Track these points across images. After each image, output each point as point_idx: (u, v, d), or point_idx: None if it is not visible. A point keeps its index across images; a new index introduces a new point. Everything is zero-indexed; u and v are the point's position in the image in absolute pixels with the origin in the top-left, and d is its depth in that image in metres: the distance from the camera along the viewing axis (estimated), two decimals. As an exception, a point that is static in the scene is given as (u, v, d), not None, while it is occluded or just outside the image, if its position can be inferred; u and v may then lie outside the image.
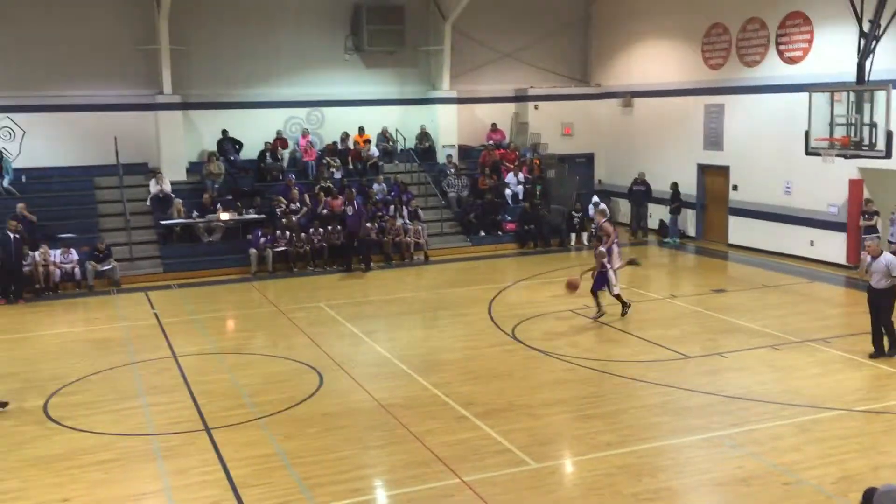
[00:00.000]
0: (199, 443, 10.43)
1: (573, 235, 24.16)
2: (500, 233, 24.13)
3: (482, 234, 23.84)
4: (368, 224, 21.95)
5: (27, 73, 22.40)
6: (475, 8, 25.32)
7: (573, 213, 24.32)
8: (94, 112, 23.20)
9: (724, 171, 23.32)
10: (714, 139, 23.57)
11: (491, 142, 26.66)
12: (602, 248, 15.57)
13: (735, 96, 22.79)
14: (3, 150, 22.03)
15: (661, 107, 25.44)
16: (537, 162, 25.94)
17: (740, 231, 22.86)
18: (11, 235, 18.53)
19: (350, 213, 21.44)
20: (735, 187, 22.96)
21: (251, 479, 9.32)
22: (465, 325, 15.99)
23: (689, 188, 24.24)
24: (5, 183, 21.43)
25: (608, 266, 15.48)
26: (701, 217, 24.43)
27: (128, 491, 9.17)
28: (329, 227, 21.74)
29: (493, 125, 27.19)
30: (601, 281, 15.58)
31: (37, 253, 19.18)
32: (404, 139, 26.12)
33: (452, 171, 25.31)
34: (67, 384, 12.69)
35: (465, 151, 26.85)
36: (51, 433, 10.79)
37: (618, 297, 15.81)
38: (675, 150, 24.93)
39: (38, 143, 22.78)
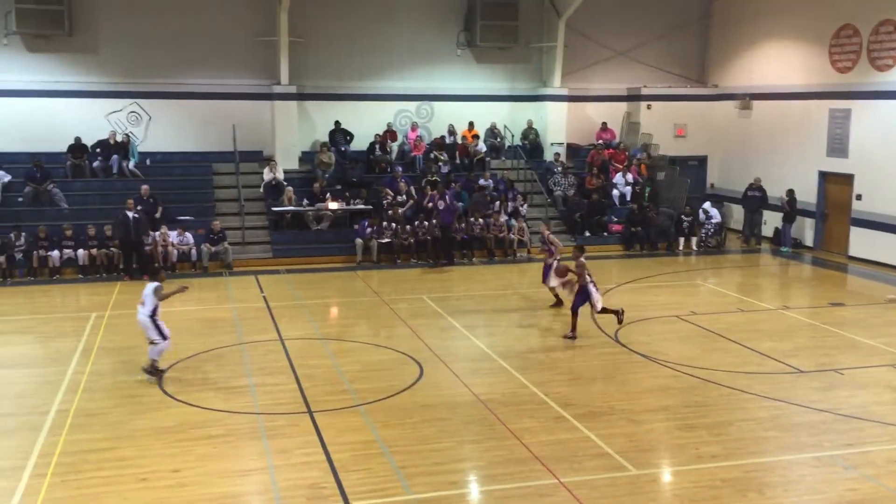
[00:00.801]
0: (302, 425, 10.68)
1: (682, 240, 23.53)
2: (605, 234, 23.74)
3: (587, 234, 23.49)
4: (472, 219, 22.02)
5: (155, 62, 23.45)
6: (590, 5, 24.98)
7: (682, 216, 23.68)
8: (214, 100, 24.07)
9: (847, 179, 22.22)
10: (838, 146, 22.48)
11: (600, 141, 26.25)
12: (582, 260, 14.55)
13: (863, 101, 21.66)
14: (130, 134, 23.15)
15: (782, 110, 24.44)
16: (645, 164, 25.38)
17: (863, 243, 21.73)
18: (131, 215, 19.45)
19: (442, 208, 21.54)
20: (859, 197, 21.84)
21: (350, 463, 9.48)
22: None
23: (807, 196, 23.22)
24: (131, 165, 22.50)
25: (589, 279, 14.42)
26: (820, 226, 23.37)
27: (234, 466, 9.49)
28: (434, 221, 21.89)
29: (604, 124, 26.76)
30: (582, 297, 14.43)
31: (157, 233, 20.09)
32: (512, 135, 26.05)
33: (559, 169, 25.06)
34: (181, 360, 13.22)
35: (573, 150, 26.55)
36: (165, 406, 11.28)
37: (604, 311, 14.60)
38: (794, 156, 23.93)
39: (163, 129, 23.83)
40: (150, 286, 12.43)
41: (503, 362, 13.31)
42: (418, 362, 13.25)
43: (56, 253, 19.38)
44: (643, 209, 23.78)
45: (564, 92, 26.03)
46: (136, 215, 19.61)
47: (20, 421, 10.68)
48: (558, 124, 26.13)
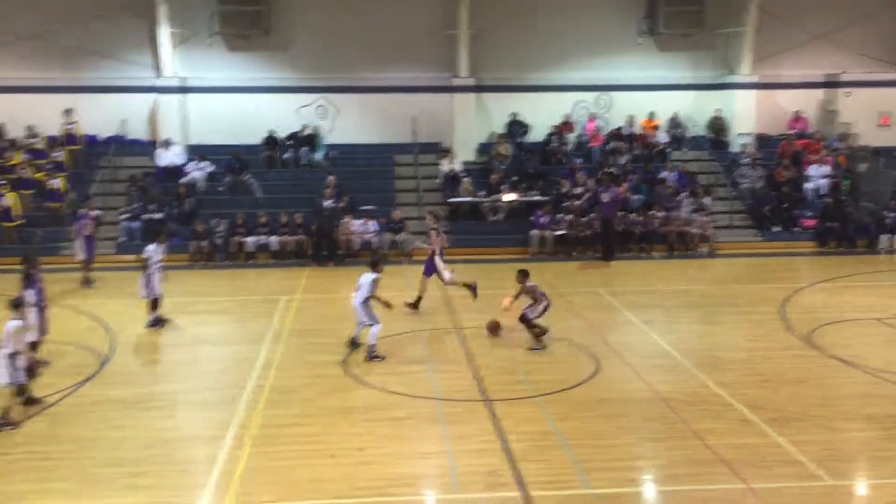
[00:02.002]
0: (479, 412, 10.79)
1: (884, 237, 21.72)
2: (796, 229, 22.37)
3: (776, 229, 22.23)
4: (651, 213, 21.41)
5: (342, 58, 24.49)
6: (784, -15, 23.58)
7: (886, 211, 21.85)
8: (395, 93, 24.83)
9: None
10: None
11: (793, 131, 24.73)
12: (528, 284, 13.44)
13: None
14: (317, 127, 24.30)
15: None
16: (844, 155, 23.62)
17: None
18: (326, 204, 20.45)
19: (606, 200, 21.02)
20: None
21: (528, 453, 9.48)
22: (752, 324, 15.02)
23: None
24: (319, 157, 23.64)
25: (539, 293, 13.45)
26: None
27: (415, 448, 9.73)
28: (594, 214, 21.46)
29: (797, 113, 25.18)
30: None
31: (342, 221, 20.99)
32: (695, 126, 25.04)
33: (747, 160, 23.84)
34: (362, 344, 13.71)
35: (762, 140, 25.18)
36: (351, 387, 11.76)
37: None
38: None
39: (348, 122, 24.86)
40: (370, 276, 13.05)
41: (684, 360, 12.84)
42: (595, 356, 13.04)
43: (251, 239, 20.71)
44: (840, 203, 22.17)
45: (754, 79, 24.73)
46: (332, 204, 20.59)
47: (222, 395, 11.48)
48: (746, 113, 24.89)
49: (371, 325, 12.97)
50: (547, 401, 11.15)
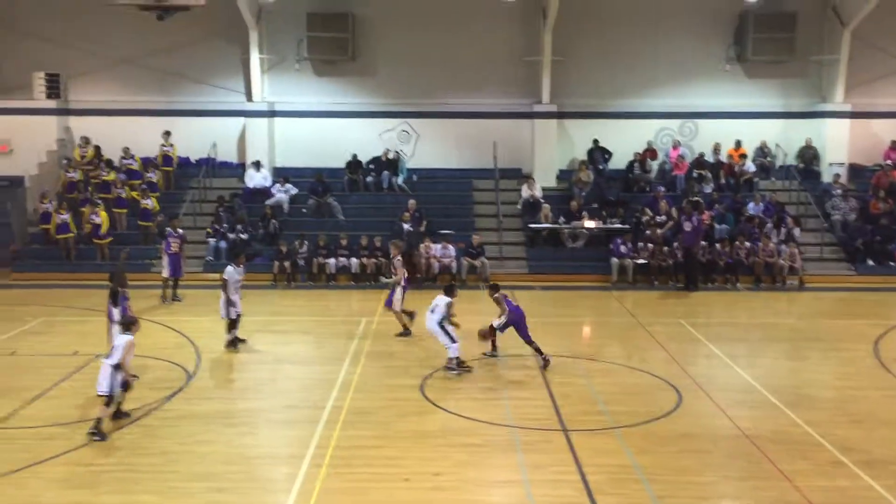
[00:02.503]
0: (556, 442, 10.65)
1: None
2: (892, 263, 21.44)
3: (870, 262, 21.37)
4: (737, 244, 20.88)
5: (425, 83, 24.79)
6: (881, 12, 22.81)
7: None
8: (477, 119, 24.96)
9: None
10: None
11: (889, 161, 23.79)
12: (497, 295, 14.16)
13: None
14: (399, 152, 24.62)
15: None
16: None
17: None
18: (406, 227, 20.66)
19: (688, 229, 20.55)
20: None
21: (606, 486, 9.29)
22: (843, 361, 14.45)
23: None
24: (400, 181, 23.92)
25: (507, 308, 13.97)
26: None
27: (490, 476, 9.66)
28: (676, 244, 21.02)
29: (893, 142, 24.23)
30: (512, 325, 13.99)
31: (421, 245, 21.14)
32: (784, 155, 24.39)
33: (839, 191, 23.05)
34: (440, 368, 13.73)
35: (855, 171, 24.34)
36: (427, 411, 11.77)
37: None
38: None
39: (429, 146, 25.11)
40: (444, 299, 13.57)
41: (771, 396, 12.41)
42: (676, 389, 12.73)
43: (333, 261, 21.05)
44: (939, 237, 21.21)
45: (847, 108, 23.97)
46: (410, 227, 20.79)
47: (301, 413, 11.65)
48: (839, 143, 24.12)
49: (448, 346, 13.35)
50: (626, 433, 10.93)
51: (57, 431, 10.85)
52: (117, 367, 10.60)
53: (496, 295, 14.28)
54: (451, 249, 21.28)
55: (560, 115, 24.60)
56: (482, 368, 13.94)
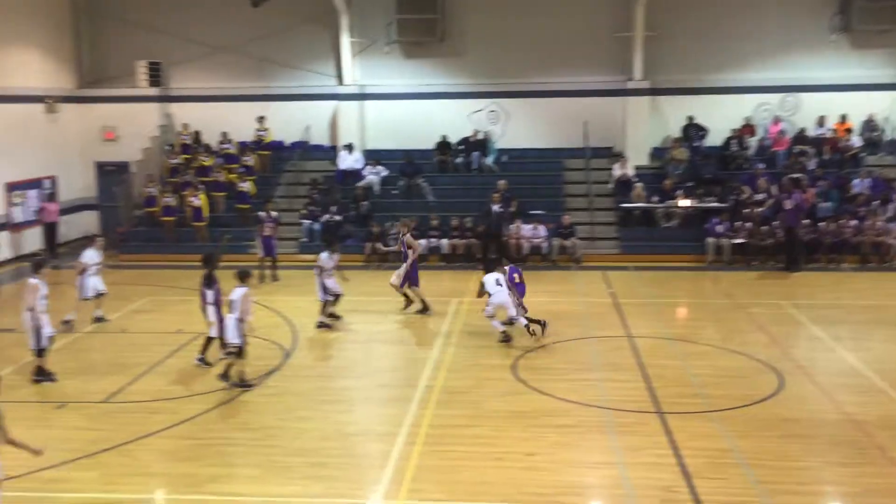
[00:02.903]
0: (652, 425, 10.48)
1: None
2: None
3: None
4: (842, 222, 19.98)
5: (513, 63, 24.57)
6: None
7: None
8: (567, 98, 24.57)
9: None
10: None
11: None
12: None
13: None
14: (488, 132, 24.53)
15: None
16: None
17: None
18: (495, 208, 20.62)
19: (789, 207, 19.72)
20: None
21: (705, 470, 9.09)
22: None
23: None
24: (489, 161, 23.85)
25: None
26: None
27: (584, 457, 9.59)
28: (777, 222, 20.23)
29: None
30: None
31: (511, 226, 21.06)
32: (894, 129, 23.17)
33: (954, 166, 21.79)
34: (532, 349, 13.69)
35: (973, 144, 22.94)
36: (518, 392, 11.76)
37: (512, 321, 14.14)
38: None
39: (519, 126, 24.91)
40: (497, 275, 14.04)
41: (879, 381, 11.89)
42: (778, 372, 12.33)
43: (423, 241, 21.17)
44: None
45: (963, 77, 22.58)
46: (500, 208, 20.74)
47: (395, 392, 11.82)
48: (955, 115, 22.75)
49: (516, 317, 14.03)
50: (724, 417, 10.66)
51: (163, 406, 11.33)
52: (241, 320, 11.65)
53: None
54: (542, 230, 21.11)
55: (653, 92, 24.00)
56: (574, 349, 13.82)
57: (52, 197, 23.08)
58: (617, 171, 22.96)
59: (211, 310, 12.84)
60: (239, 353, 11.78)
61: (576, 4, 24.20)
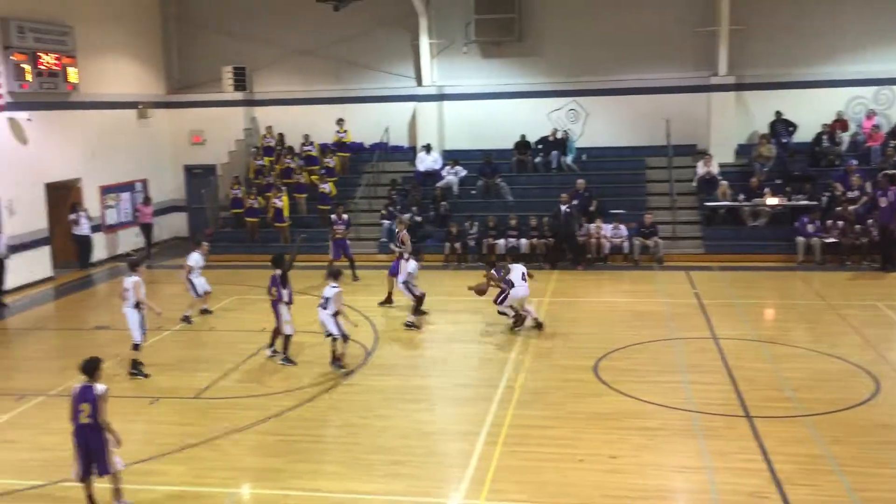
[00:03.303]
0: (740, 429, 10.20)
1: None
2: None
3: None
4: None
5: (593, 60, 24.27)
6: None
7: None
8: (648, 95, 24.14)
9: None
10: None
11: None
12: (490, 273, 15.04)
13: None
14: (568, 131, 24.30)
15: None
16: None
17: None
18: (563, 208, 20.41)
19: (884, 205, 18.84)
20: None
21: (796, 476, 8.79)
22: None
23: None
24: (569, 160, 23.63)
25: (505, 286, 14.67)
26: None
27: (670, 461, 9.39)
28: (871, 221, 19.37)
29: None
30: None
31: (591, 225, 20.81)
32: None
33: None
34: (614, 350, 13.49)
35: None
36: (600, 393, 11.60)
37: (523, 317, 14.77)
38: None
39: (599, 125, 24.60)
40: (523, 268, 14.99)
41: None
42: (874, 376, 11.83)
43: (502, 241, 21.14)
44: None
45: None
46: (568, 209, 20.53)
47: (474, 391, 11.82)
48: None
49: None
50: (817, 421, 10.29)
51: (250, 402, 11.60)
52: (336, 315, 12.58)
53: (491, 272, 15.09)
54: (623, 229, 20.79)
55: (738, 87, 23.34)
56: (658, 350, 13.56)
57: (146, 200, 23.94)
58: (701, 168, 22.42)
59: (285, 309, 13.13)
60: (345, 338, 12.85)
61: (656, 0, 23.73)
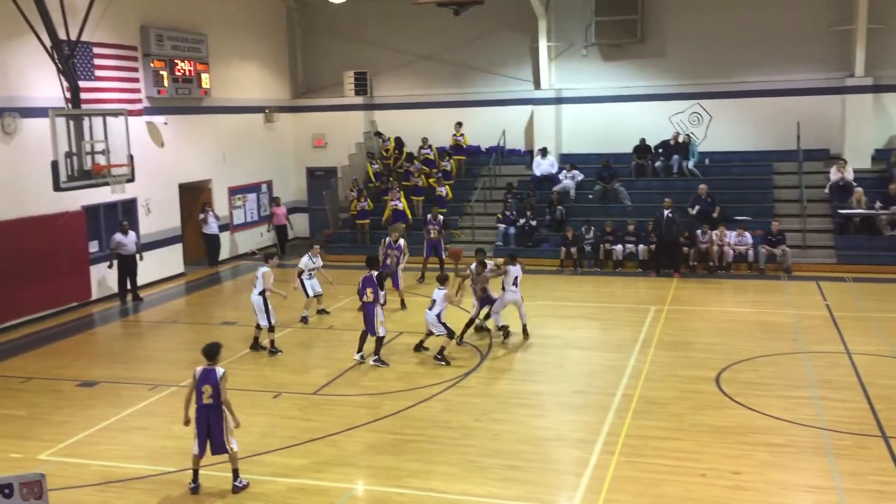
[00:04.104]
0: (875, 449, 9.63)
1: None
2: None
3: None
4: None
5: (718, 61, 23.49)
6: None
7: None
8: (777, 97, 23.15)
9: None
10: None
11: None
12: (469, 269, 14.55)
13: None
14: (690, 135, 23.60)
15: None
16: None
17: None
18: (666, 213, 19.82)
19: None
20: None
21: (940, 504, 8.21)
22: None
23: None
24: (690, 165, 22.94)
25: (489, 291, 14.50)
26: None
27: (797, 479, 8.96)
28: None
29: None
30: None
31: (714, 232, 20.13)
32: None
33: None
34: (737, 362, 12.99)
35: None
36: (723, 406, 11.18)
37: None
38: None
39: (722, 128, 23.77)
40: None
41: None
42: None
43: (619, 247, 20.75)
44: None
45: None
46: (670, 215, 19.95)
47: (590, 399, 11.62)
48: None
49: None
50: (964, 445, 9.58)
51: (366, 400, 11.82)
52: (439, 315, 13.27)
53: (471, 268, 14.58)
54: (748, 237, 20.01)
55: (876, 89, 22.05)
56: (785, 364, 12.96)
57: (278, 202, 24.79)
58: (834, 174, 21.31)
59: (380, 310, 13.32)
60: (450, 335, 13.47)
61: (786, -1, 22.81)
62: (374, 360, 13.36)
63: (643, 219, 21.12)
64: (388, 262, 17.21)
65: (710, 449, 9.78)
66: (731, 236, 20.06)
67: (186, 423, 8.98)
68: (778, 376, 12.39)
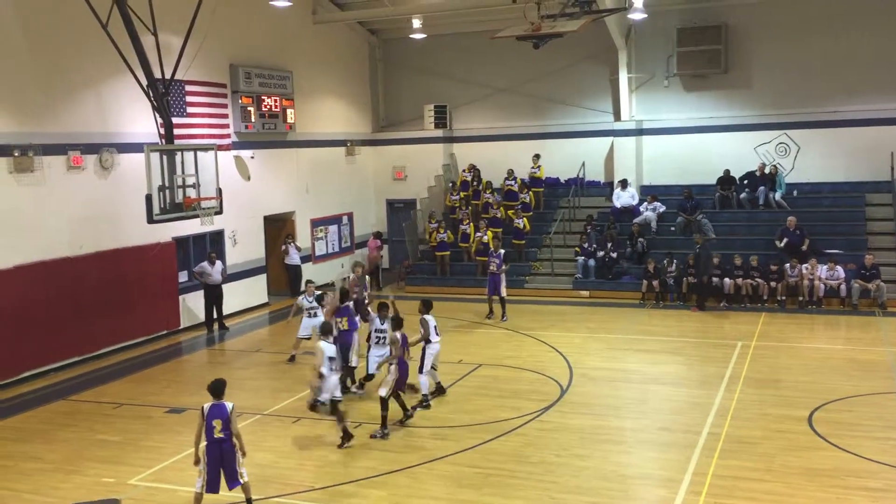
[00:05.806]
0: (984, 498, 9.06)
1: None
2: None
3: None
4: None
5: (806, 91, 22.89)
6: None
7: None
8: (869, 126, 22.37)
9: None
10: None
11: None
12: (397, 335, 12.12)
13: None
14: (777, 165, 22.99)
15: None
16: None
17: None
18: (698, 249, 19.46)
19: None
20: None
21: None
22: None
23: None
24: (777, 196, 22.33)
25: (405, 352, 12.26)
26: None
27: (900, 528, 8.51)
28: None
29: None
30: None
31: (804, 266, 19.49)
32: None
33: None
34: (831, 401, 12.47)
35: None
36: (816, 447, 10.74)
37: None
38: None
39: (811, 159, 23.09)
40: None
41: None
42: None
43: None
44: None
45: None
46: (699, 248, 19.61)
47: (676, 437, 11.31)
48: None
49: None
50: None
51: (446, 432, 11.78)
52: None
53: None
54: (840, 270, 19.29)
55: (973, 117, 21.17)
56: (883, 404, 12.38)
57: (378, 235, 25.09)
58: (932, 206, 20.45)
59: (356, 340, 13.52)
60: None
61: (875, 27, 22.04)
62: (355, 389, 13.54)
63: (728, 251, 20.61)
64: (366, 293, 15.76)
65: (802, 492, 9.39)
66: (822, 270, 19.38)
67: (196, 462, 9.14)
68: (874, 417, 11.84)
